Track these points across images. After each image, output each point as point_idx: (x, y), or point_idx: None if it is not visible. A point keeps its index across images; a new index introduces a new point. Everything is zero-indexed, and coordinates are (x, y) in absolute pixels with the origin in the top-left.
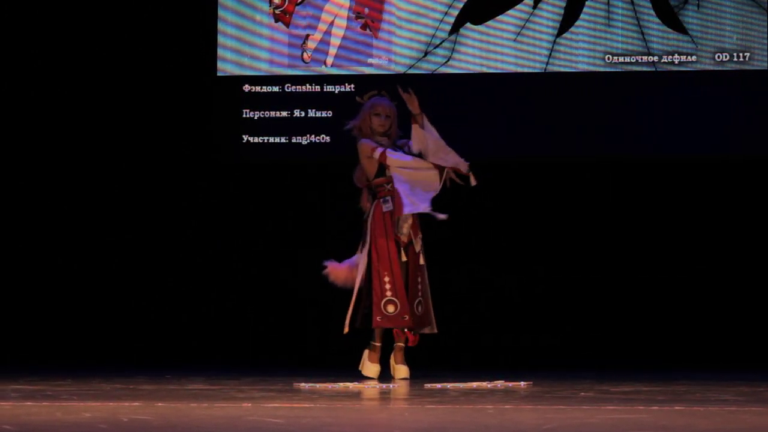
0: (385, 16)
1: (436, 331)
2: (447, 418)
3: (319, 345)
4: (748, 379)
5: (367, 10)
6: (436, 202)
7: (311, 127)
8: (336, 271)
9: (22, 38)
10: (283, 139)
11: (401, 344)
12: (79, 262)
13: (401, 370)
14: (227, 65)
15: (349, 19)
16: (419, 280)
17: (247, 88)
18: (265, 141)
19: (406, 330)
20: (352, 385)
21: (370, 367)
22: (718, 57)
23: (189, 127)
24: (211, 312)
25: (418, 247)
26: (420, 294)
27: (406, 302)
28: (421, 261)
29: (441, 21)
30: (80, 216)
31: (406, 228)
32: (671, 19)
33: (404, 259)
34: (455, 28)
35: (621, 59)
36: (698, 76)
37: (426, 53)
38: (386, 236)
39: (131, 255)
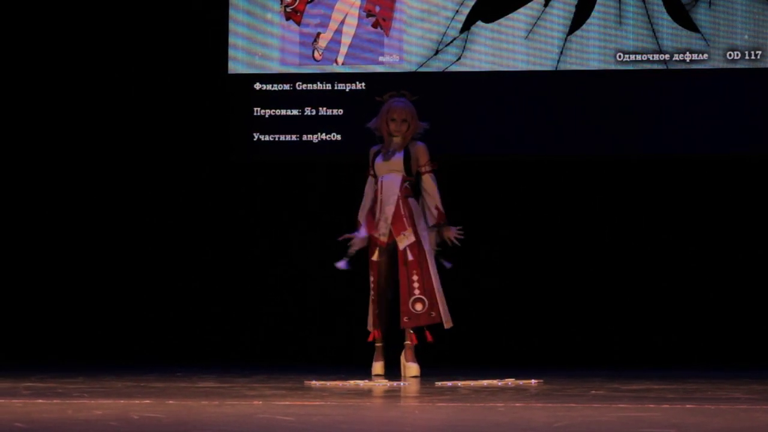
0: (396, 14)
1: (450, 324)
2: (458, 416)
3: (330, 343)
4: (759, 378)
5: (378, 8)
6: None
7: (322, 125)
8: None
9: (36, 38)
10: (294, 137)
11: (409, 342)
12: (91, 260)
13: (411, 368)
14: (238, 64)
15: (360, 17)
16: (415, 277)
17: (258, 86)
18: (276, 139)
19: (374, 330)
20: (363, 383)
21: (373, 365)
22: (730, 55)
23: (200, 125)
24: (221, 310)
25: (402, 245)
26: (418, 291)
27: (384, 302)
28: (410, 257)
29: (452, 19)
30: (92, 215)
31: (383, 227)
32: (683, 17)
33: (375, 258)
34: (466, 26)
35: (632, 57)
36: (710, 74)
37: (437, 51)
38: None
39: (142, 253)
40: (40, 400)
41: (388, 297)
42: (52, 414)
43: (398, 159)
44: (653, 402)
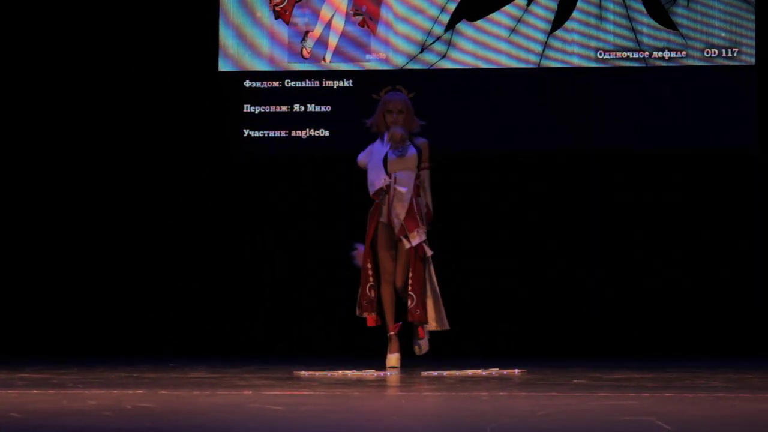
0: (383, 13)
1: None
2: (443, 405)
3: (320, 334)
4: (735, 367)
5: (364, 7)
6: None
7: (311, 122)
8: (359, 254)
9: (26, 37)
10: (283, 133)
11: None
12: (85, 254)
13: (390, 359)
14: (228, 61)
15: (347, 15)
16: (410, 275)
17: (247, 83)
18: (266, 135)
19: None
20: (350, 373)
21: (388, 357)
22: (707, 52)
23: (191, 122)
24: (213, 302)
25: (414, 241)
26: (410, 288)
27: (390, 291)
28: (429, 253)
29: (437, 17)
30: (86, 210)
31: (395, 224)
32: (661, 16)
33: (391, 251)
34: (451, 24)
35: (612, 55)
36: (688, 71)
37: (423, 49)
38: (370, 230)
39: (135, 248)
40: (35, 391)
41: (394, 287)
42: (47, 404)
43: (413, 156)
44: (633, 391)
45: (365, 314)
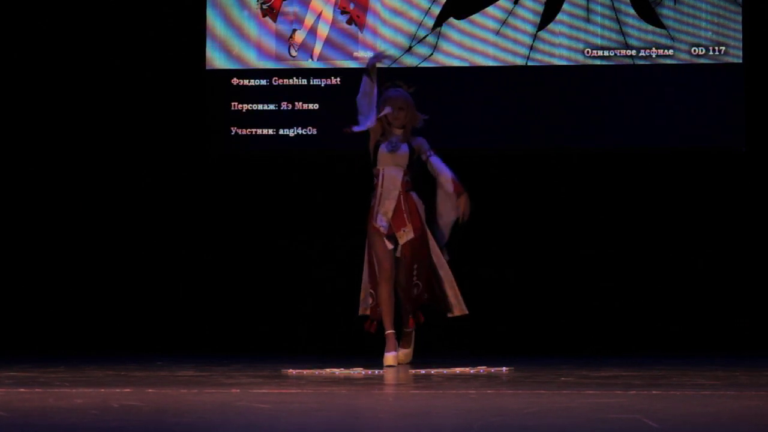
0: (370, 11)
1: (465, 312)
2: (431, 403)
3: (309, 332)
4: (723, 364)
5: (352, 5)
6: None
7: (298, 120)
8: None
9: (14, 33)
10: (270, 131)
11: (407, 329)
12: (73, 253)
13: (386, 358)
14: (216, 59)
15: (334, 13)
16: (415, 266)
17: (235, 81)
18: (253, 133)
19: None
20: (338, 371)
21: (385, 356)
22: (694, 51)
23: (179, 120)
24: (201, 300)
25: (402, 240)
26: (415, 278)
27: (391, 290)
28: (412, 251)
29: (425, 15)
30: (72, 208)
31: (382, 221)
32: (649, 14)
33: (390, 247)
34: (438, 22)
35: (600, 53)
36: (675, 69)
37: (410, 47)
38: (369, 226)
39: (123, 246)
40: (22, 389)
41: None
42: (33, 403)
43: (404, 153)
44: (620, 389)
45: (368, 317)
